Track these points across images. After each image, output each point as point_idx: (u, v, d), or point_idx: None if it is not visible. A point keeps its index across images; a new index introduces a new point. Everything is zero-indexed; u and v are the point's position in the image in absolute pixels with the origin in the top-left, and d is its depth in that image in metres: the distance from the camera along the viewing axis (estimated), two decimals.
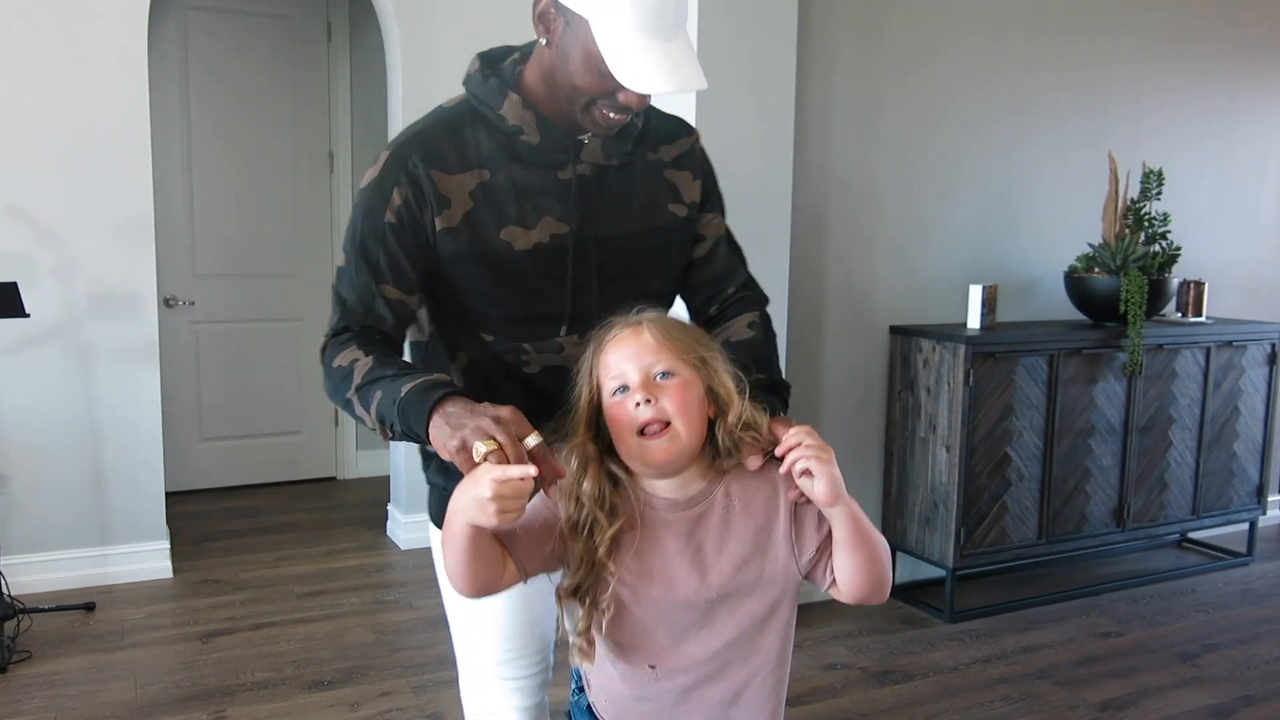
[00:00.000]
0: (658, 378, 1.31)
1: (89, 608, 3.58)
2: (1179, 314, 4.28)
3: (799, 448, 1.26)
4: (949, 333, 3.63)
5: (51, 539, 3.77)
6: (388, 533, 4.57)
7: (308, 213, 5.29)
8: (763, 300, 1.72)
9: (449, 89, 1.61)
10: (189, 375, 5.11)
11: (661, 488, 1.36)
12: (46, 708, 2.89)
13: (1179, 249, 4.00)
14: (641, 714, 1.43)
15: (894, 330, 3.84)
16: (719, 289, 1.69)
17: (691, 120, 3.14)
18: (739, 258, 1.72)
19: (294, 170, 5.23)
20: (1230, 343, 4.14)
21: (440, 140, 1.49)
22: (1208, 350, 4.10)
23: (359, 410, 1.41)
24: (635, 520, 1.34)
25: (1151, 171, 3.98)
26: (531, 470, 1.17)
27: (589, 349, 1.37)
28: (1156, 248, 3.96)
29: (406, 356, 1.60)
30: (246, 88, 5.09)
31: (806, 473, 1.26)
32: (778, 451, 1.28)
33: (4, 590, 3.32)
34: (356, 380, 1.40)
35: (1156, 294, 3.87)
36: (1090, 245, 4.01)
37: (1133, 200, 3.99)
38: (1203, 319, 4.21)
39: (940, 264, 3.94)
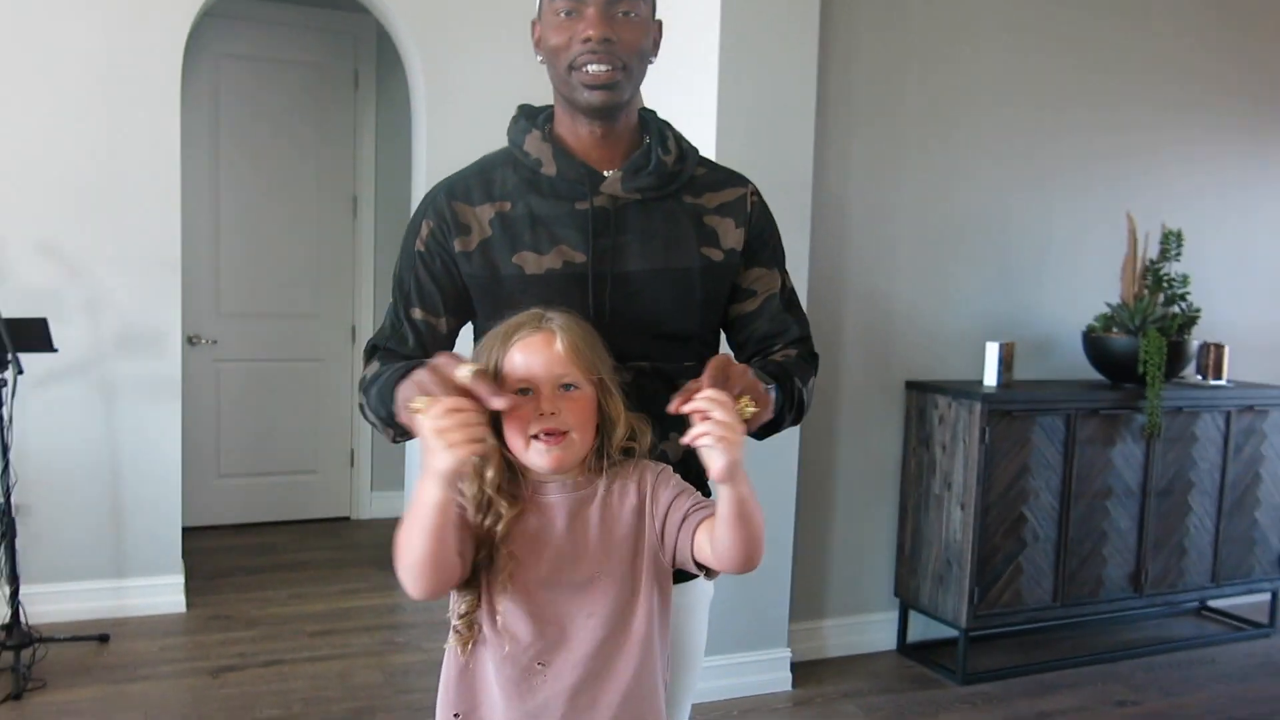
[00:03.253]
0: (562, 389, 1.36)
1: (103, 639, 3.60)
2: (1199, 376, 4.26)
3: (708, 421, 1.24)
4: (965, 389, 3.64)
5: (69, 570, 3.81)
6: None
7: (330, 255, 5.36)
8: (809, 355, 1.71)
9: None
10: (209, 412, 5.16)
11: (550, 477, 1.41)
12: None
13: (1199, 310, 4.00)
14: None
15: (910, 385, 3.85)
16: (768, 346, 1.69)
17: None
18: (795, 317, 1.71)
19: (319, 213, 5.31)
20: (1251, 407, 4.12)
21: (468, 179, 1.61)
22: (1228, 414, 4.08)
23: (371, 417, 1.53)
24: (528, 506, 1.40)
25: (1171, 232, 4.00)
26: (462, 402, 1.24)
27: (494, 342, 1.39)
28: (1176, 309, 3.96)
29: None
30: (275, 132, 5.19)
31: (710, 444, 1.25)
32: (685, 408, 1.26)
33: (21, 619, 3.35)
34: (363, 385, 1.54)
35: (1176, 355, 3.87)
36: (1109, 305, 4.01)
37: (1151, 261, 4.00)
38: (1223, 382, 4.20)
39: (958, 320, 3.95)
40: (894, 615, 3.92)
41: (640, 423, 1.44)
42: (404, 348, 1.58)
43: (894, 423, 3.87)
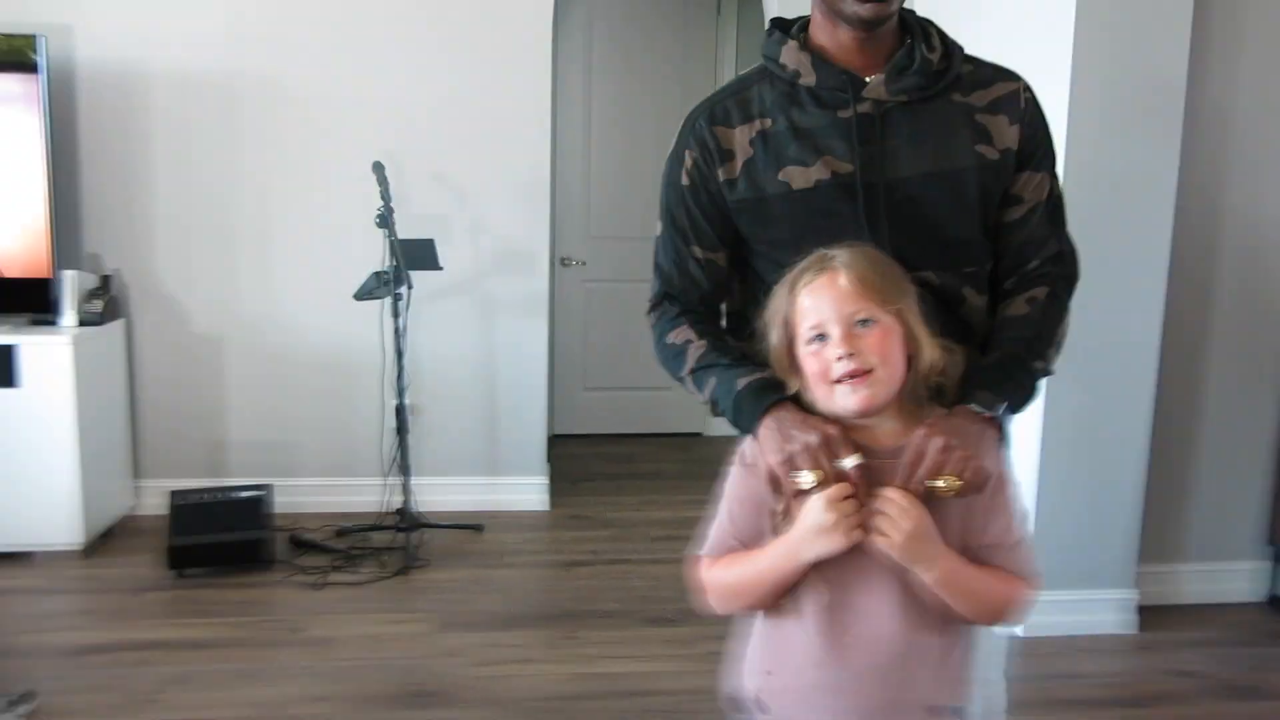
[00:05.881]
0: (858, 326, 1.31)
1: (478, 529, 4.07)
2: None
3: (880, 520, 1.29)
4: None
5: (450, 466, 4.32)
6: None
7: None
8: (1064, 278, 1.59)
9: None
10: (578, 330, 5.57)
11: (877, 437, 1.36)
12: (432, 608, 3.37)
13: None
14: (827, 708, 1.37)
15: None
16: (1022, 260, 1.57)
17: (1066, 80, 3.03)
18: (1055, 228, 1.60)
19: None
20: None
21: (725, 100, 1.56)
22: None
23: (690, 387, 1.55)
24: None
25: None
26: (849, 489, 1.29)
27: (782, 293, 1.38)
28: None
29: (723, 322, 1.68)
30: (641, 60, 5.43)
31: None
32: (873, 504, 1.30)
33: (410, 506, 3.86)
34: (690, 364, 1.53)
35: None
36: None
37: None
38: None
39: None
40: (1265, 565, 3.57)
41: (949, 352, 1.37)
42: (696, 290, 1.58)
43: (1275, 353, 3.49)
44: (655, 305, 1.63)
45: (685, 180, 1.56)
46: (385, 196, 3.76)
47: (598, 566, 3.78)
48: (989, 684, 1.71)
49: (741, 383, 1.44)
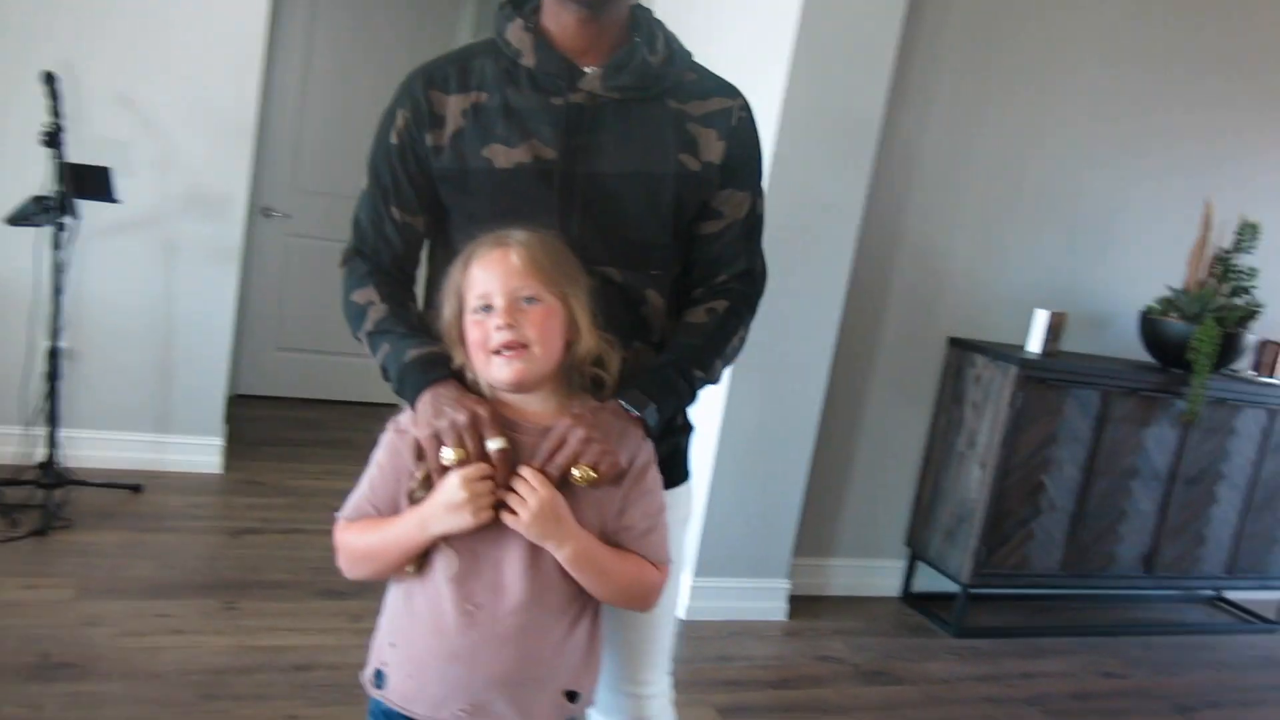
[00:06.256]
0: (522, 302, 1.36)
1: (136, 489, 3.76)
2: (1252, 372, 4.16)
3: (511, 495, 1.34)
4: (1005, 352, 3.60)
5: (112, 419, 3.95)
6: None
7: None
8: (747, 295, 1.63)
9: None
10: (275, 285, 5.27)
11: (529, 415, 1.40)
12: (72, 573, 3.07)
13: (1262, 306, 3.88)
14: (447, 679, 1.40)
15: (952, 342, 3.81)
16: (712, 273, 1.61)
17: (777, 106, 3.18)
18: (748, 247, 1.62)
19: None
20: None
21: (446, 66, 1.55)
22: (1273, 412, 3.97)
23: (366, 348, 1.55)
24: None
25: (1248, 224, 3.87)
26: (488, 469, 1.34)
27: (457, 264, 1.41)
28: (1238, 301, 3.85)
29: (421, 283, 1.65)
30: (373, 13, 5.21)
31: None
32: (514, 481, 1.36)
33: (56, 460, 3.51)
34: (368, 325, 1.53)
35: (1229, 347, 3.76)
36: (1171, 289, 3.91)
37: (1224, 250, 3.88)
38: (1275, 380, 4.09)
39: (1015, 285, 3.88)
40: (902, 564, 3.94)
41: (609, 345, 1.42)
42: (389, 251, 1.57)
43: (930, 376, 3.85)
44: (347, 260, 1.61)
45: (394, 139, 1.54)
46: (55, 111, 3.38)
47: (269, 535, 3.60)
48: (659, 683, 1.75)
49: (410, 354, 1.45)
